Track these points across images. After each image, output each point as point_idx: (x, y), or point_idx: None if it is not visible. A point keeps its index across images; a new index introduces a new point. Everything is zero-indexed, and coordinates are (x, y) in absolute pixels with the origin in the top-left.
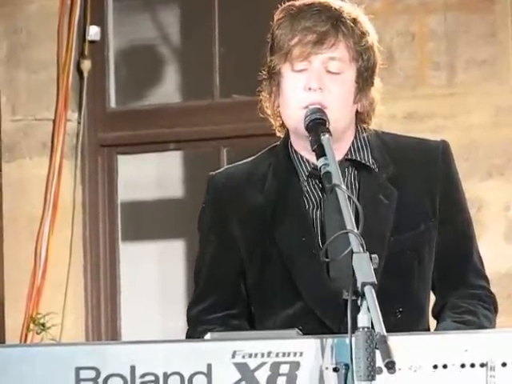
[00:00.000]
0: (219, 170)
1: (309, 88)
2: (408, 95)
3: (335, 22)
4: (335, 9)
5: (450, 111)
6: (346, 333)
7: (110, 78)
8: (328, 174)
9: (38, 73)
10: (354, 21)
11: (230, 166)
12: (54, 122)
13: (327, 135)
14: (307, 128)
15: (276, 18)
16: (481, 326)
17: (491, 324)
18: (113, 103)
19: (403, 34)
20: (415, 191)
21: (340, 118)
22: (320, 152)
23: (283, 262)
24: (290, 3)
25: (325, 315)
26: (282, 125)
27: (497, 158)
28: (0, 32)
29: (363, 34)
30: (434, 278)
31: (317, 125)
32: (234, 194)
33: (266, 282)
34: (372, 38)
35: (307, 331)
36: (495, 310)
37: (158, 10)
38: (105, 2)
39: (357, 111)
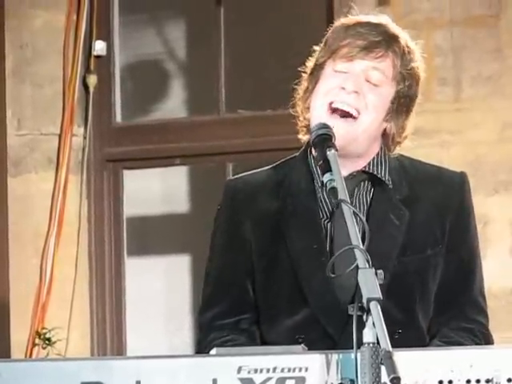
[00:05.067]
0: (237, 176)
1: (342, 87)
2: (414, 110)
3: (389, 38)
4: (392, 32)
5: (457, 127)
6: (348, 343)
7: (116, 93)
8: (334, 189)
9: (43, 87)
10: (408, 48)
11: (248, 173)
12: (60, 136)
13: (333, 150)
14: (313, 143)
15: (333, 26)
16: None
17: None
18: (118, 118)
19: None
20: (427, 216)
21: (370, 127)
22: (326, 167)
23: (292, 267)
24: (350, 18)
25: (328, 323)
26: (306, 126)
27: (503, 173)
28: (6, 46)
29: (411, 62)
30: (432, 306)
31: (323, 140)
32: (249, 199)
33: (273, 286)
34: (419, 71)
35: (310, 340)
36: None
37: (164, 24)
38: (111, 17)
39: (384, 132)
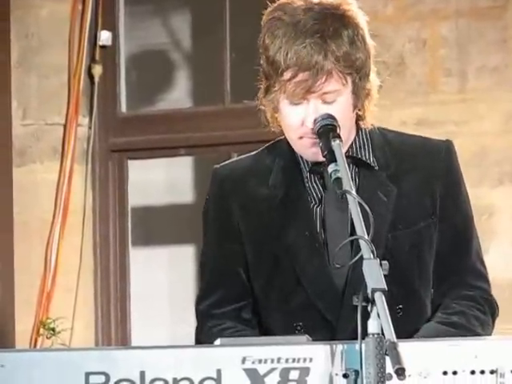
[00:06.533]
0: (223, 163)
1: (304, 125)
2: (419, 101)
3: (325, 52)
4: (323, 23)
5: (462, 118)
6: (346, 327)
7: (121, 83)
8: (339, 179)
9: (49, 77)
10: (342, 27)
11: (234, 159)
12: (65, 126)
13: (338, 141)
14: (317, 133)
15: (267, 23)
16: (468, 329)
17: (483, 326)
18: (124, 108)
19: (415, 40)
20: (415, 188)
21: (343, 130)
22: (330, 158)
23: (286, 254)
24: (280, 5)
25: (325, 308)
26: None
27: (508, 164)
28: (11, 36)
29: (353, 42)
30: (432, 278)
31: (327, 130)
32: (237, 185)
33: (268, 274)
34: (361, 33)
35: (308, 326)
36: (493, 313)
37: (170, 15)
38: (116, 7)
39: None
